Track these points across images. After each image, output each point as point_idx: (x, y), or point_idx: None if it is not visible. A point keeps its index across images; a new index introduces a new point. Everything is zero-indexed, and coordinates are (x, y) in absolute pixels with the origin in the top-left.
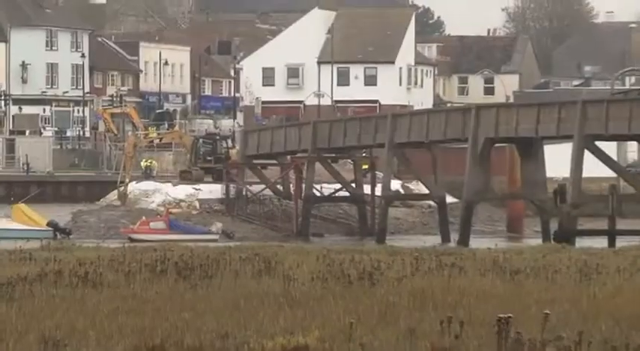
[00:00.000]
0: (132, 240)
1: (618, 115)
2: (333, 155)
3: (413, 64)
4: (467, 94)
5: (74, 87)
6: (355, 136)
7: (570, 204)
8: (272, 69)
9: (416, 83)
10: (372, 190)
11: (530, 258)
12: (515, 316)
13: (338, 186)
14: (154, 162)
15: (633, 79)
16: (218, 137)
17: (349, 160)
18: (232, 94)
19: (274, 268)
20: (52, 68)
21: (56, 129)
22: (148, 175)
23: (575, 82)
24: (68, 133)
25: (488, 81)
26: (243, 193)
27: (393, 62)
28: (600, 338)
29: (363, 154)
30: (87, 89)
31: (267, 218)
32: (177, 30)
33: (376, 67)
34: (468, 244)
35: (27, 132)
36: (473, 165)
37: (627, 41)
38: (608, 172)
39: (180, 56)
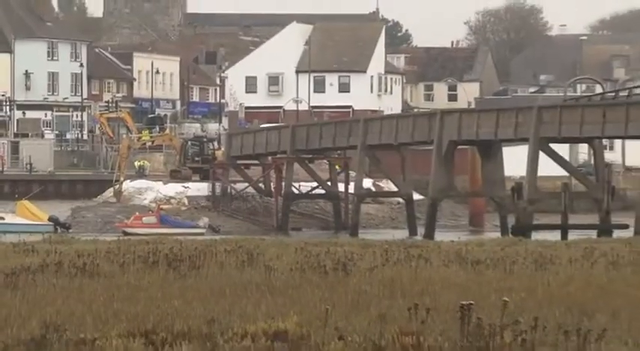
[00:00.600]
0: (126, 234)
1: (570, 119)
2: (310, 156)
3: (383, 73)
4: (432, 101)
5: (73, 94)
6: (330, 138)
7: (526, 200)
8: (254, 77)
9: (386, 90)
10: (346, 187)
11: (490, 250)
12: (477, 303)
13: (314, 184)
14: (146, 162)
15: (584, 86)
16: (205, 140)
17: (325, 161)
18: (218, 100)
19: (256, 260)
20: (52, 76)
21: (57, 132)
22: (141, 174)
23: (531, 90)
24: (68, 136)
25: (452, 88)
26: (228, 190)
27: (364, 71)
28: (554, 323)
29: (338, 155)
30: (85, 96)
31: (249, 214)
32: (168, 42)
33: (349, 76)
34: (433, 237)
35: (30, 135)
36: (438, 165)
37: (579, 52)
38: (561, 172)
39: (170, 66)
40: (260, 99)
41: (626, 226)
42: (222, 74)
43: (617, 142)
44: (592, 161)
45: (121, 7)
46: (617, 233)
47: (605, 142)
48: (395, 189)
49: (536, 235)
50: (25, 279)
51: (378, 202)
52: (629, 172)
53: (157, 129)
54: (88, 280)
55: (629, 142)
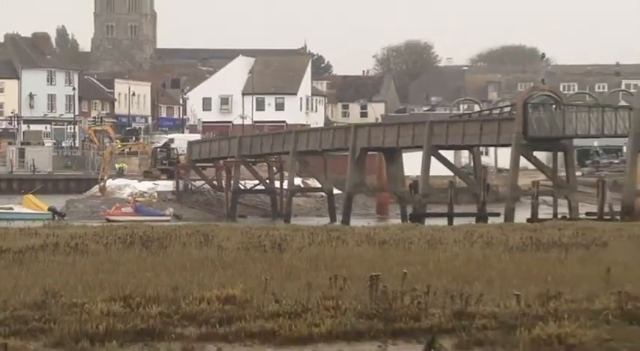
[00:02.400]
0: (109, 220)
1: (455, 131)
2: (253, 160)
3: (310, 95)
4: (348, 117)
5: (68, 111)
6: (269, 146)
7: (421, 194)
8: (209, 98)
9: (312, 109)
10: (281, 184)
11: (393, 233)
12: (383, 274)
13: (257, 182)
14: (124, 165)
15: (466, 106)
16: (171, 147)
17: (265, 163)
18: (181, 116)
19: (211, 241)
20: (51, 97)
21: (54, 141)
22: (120, 174)
23: (425, 108)
24: (63, 144)
25: (363, 107)
26: (189, 187)
27: (295, 94)
28: (443, 290)
29: (275, 159)
30: (77, 113)
31: (205, 205)
32: (141, 71)
33: (284, 97)
34: (349, 223)
35: (33, 143)
36: (352, 167)
37: (462, 79)
38: (447, 172)
39: (143, 89)
40: (214, 115)
41: (497, 214)
42: (184, 96)
43: (491, 149)
44: (472, 164)
45: (105, 43)
46: (491, 220)
47: (482, 149)
48: (319, 185)
49: (429, 221)
50: (29, 256)
51: (306, 196)
52: (500, 173)
53: (133, 139)
54: (79, 256)
55: (500, 149)
